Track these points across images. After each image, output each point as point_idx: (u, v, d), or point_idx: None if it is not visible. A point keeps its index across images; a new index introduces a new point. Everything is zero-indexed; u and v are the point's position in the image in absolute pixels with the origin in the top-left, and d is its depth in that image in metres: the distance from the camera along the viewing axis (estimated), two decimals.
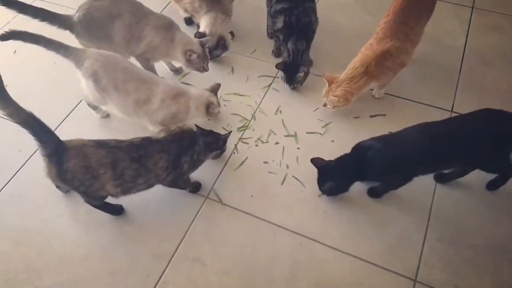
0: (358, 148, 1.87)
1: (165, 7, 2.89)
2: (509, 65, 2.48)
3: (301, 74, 2.32)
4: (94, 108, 2.26)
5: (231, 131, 2.00)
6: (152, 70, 2.37)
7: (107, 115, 2.31)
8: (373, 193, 2.00)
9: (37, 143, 1.63)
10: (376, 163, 1.80)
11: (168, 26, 2.23)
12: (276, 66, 2.38)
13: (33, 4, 2.20)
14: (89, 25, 2.12)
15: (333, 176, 1.90)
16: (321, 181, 1.94)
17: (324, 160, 1.94)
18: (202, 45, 2.28)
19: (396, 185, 1.94)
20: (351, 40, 2.44)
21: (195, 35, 2.43)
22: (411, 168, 1.82)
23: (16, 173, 2.13)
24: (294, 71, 2.33)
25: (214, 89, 2.15)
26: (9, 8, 2.02)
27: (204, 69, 2.32)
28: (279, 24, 2.37)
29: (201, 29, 2.49)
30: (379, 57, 2.09)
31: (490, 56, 2.54)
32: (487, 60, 2.52)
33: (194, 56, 2.24)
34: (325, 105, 2.21)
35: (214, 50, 2.49)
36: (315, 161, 1.95)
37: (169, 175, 1.82)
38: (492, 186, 1.97)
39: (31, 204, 2.03)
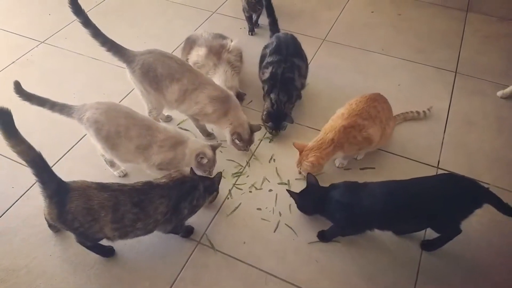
0: (331, 186, 1.96)
1: None
2: (491, 126, 2.62)
3: (285, 125, 2.48)
4: (112, 165, 2.28)
5: (221, 172, 2.08)
6: (203, 128, 2.50)
7: (124, 175, 2.30)
8: (323, 237, 2.03)
9: (38, 183, 1.65)
10: (332, 205, 1.88)
11: (224, 99, 2.31)
12: (264, 121, 2.51)
13: None
14: (148, 72, 2.23)
15: (307, 197, 2.02)
16: (300, 194, 2.06)
17: (317, 181, 2.02)
18: (252, 131, 2.38)
19: (345, 232, 2.01)
20: (342, 96, 2.57)
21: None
22: (363, 220, 1.88)
23: (7, 209, 2.12)
24: (279, 119, 2.46)
25: (214, 147, 2.20)
26: (86, 28, 2.18)
27: (242, 150, 2.41)
28: (267, 74, 2.53)
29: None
30: (346, 126, 2.14)
31: (473, 118, 2.68)
32: (470, 121, 2.66)
33: (239, 143, 2.36)
34: (300, 172, 2.27)
35: None
36: (310, 177, 2.03)
37: (168, 221, 1.82)
38: (429, 246, 2.00)
39: (20, 242, 2.01)
